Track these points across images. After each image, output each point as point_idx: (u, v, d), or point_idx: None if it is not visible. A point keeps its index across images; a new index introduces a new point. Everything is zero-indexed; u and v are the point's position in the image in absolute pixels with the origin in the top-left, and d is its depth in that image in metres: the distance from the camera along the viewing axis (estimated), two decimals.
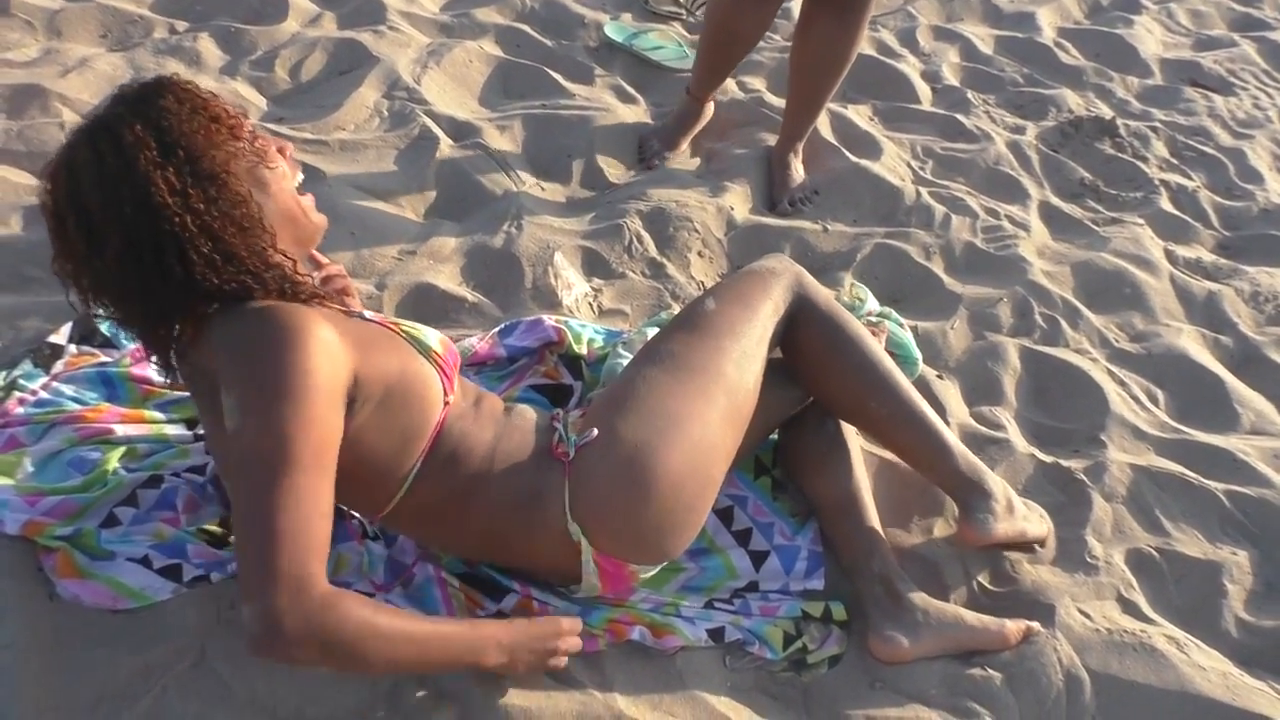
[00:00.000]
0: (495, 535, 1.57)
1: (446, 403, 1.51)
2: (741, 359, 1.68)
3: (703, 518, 1.63)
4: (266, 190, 1.44)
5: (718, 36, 2.80)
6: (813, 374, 1.81)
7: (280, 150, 1.50)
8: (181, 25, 3.05)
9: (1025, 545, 1.88)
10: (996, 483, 1.83)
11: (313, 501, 1.25)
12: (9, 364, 1.89)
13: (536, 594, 1.64)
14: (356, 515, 1.70)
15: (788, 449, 1.88)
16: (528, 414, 1.65)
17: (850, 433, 1.88)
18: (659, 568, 1.64)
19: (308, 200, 1.52)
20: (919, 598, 1.72)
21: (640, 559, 1.59)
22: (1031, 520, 1.87)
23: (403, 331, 1.52)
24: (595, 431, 1.57)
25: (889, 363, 1.82)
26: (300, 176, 1.53)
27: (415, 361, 1.48)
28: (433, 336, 1.55)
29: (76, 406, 1.81)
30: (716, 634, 1.67)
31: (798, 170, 2.83)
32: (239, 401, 1.29)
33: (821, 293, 1.81)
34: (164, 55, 2.87)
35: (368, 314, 1.55)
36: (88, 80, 2.69)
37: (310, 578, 1.22)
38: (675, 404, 1.59)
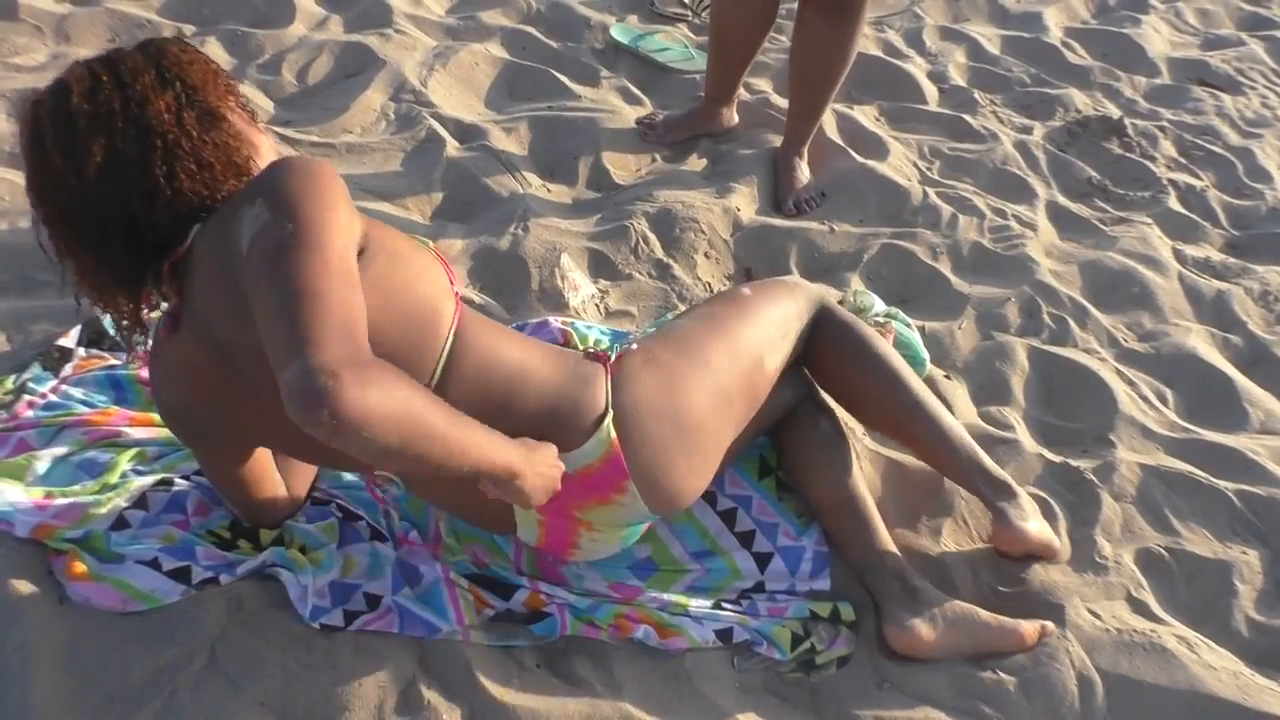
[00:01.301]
0: (542, 416, 1.49)
1: (455, 293, 1.46)
2: (768, 343, 1.73)
3: (713, 468, 1.66)
4: (255, 146, 1.43)
5: (718, 34, 2.83)
6: (838, 378, 1.85)
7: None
8: (189, 29, 3.06)
9: (1048, 553, 1.85)
10: (1020, 490, 1.86)
11: (353, 282, 1.20)
12: (18, 367, 1.89)
13: (545, 588, 1.65)
14: (364, 515, 1.71)
15: (784, 450, 1.87)
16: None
17: (847, 432, 1.88)
18: (606, 539, 1.62)
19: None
20: (934, 592, 1.72)
21: (645, 482, 1.55)
22: (1051, 533, 1.87)
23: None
24: (634, 345, 1.64)
25: (908, 368, 1.87)
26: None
27: (419, 248, 1.45)
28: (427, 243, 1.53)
29: (86, 409, 1.82)
30: (724, 634, 1.66)
31: (803, 172, 2.82)
32: (266, 203, 1.24)
33: (839, 306, 1.89)
34: None
35: None
36: None
37: (362, 340, 1.15)
38: (707, 350, 1.65)
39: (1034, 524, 1.82)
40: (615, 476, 1.55)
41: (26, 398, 1.82)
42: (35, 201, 1.35)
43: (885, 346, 1.87)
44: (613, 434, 1.53)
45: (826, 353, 1.83)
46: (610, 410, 1.54)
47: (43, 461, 1.70)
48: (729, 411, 1.66)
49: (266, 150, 1.46)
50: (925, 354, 2.21)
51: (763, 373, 1.72)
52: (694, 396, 1.60)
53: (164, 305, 1.45)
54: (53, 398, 1.83)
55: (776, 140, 2.94)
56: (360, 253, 1.32)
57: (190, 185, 1.34)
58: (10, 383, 1.85)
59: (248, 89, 2.83)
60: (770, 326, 1.75)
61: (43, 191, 1.33)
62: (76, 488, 1.65)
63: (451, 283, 1.48)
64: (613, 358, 1.62)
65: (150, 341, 1.49)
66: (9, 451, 1.72)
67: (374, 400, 1.10)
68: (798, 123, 2.81)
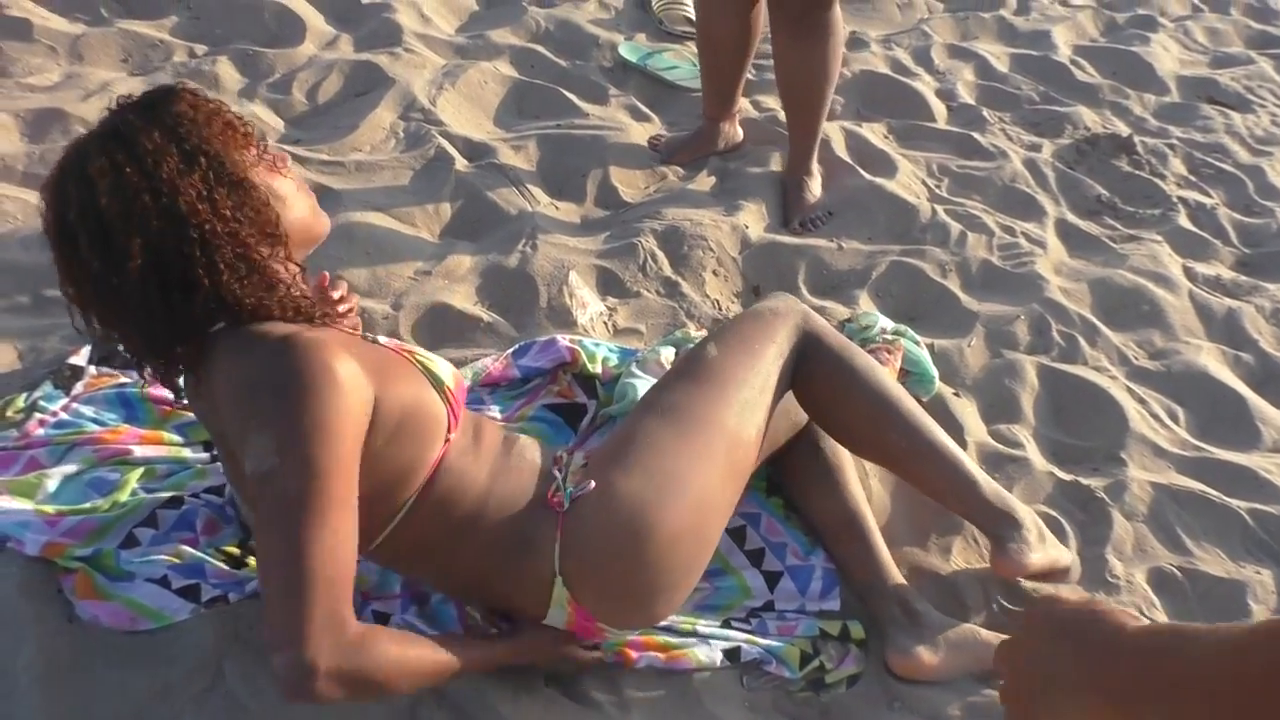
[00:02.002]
0: (479, 576, 1.51)
1: (448, 439, 1.44)
2: (744, 408, 1.62)
3: (695, 579, 1.58)
4: (282, 198, 1.41)
5: (706, 51, 2.85)
6: (827, 412, 1.76)
7: (280, 160, 1.46)
8: (201, 49, 3.08)
9: (1058, 575, 1.82)
10: (1025, 511, 1.79)
11: (346, 542, 1.23)
12: (30, 385, 1.90)
13: None
14: None
15: (785, 474, 1.85)
16: (527, 453, 1.58)
17: (848, 454, 1.85)
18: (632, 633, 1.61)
19: (314, 201, 1.50)
20: (936, 615, 1.70)
21: (620, 622, 1.53)
22: (1060, 548, 1.83)
23: (417, 361, 1.46)
24: (593, 484, 1.52)
25: (905, 395, 1.78)
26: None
27: (428, 393, 1.42)
28: (446, 370, 1.49)
29: (96, 428, 1.82)
30: (732, 654, 1.65)
31: (811, 191, 2.83)
32: (273, 441, 1.24)
33: (829, 330, 1.76)
34: (183, 79, 2.89)
35: (383, 339, 1.50)
36: (109, 104, 2.71)
37: (344, 622, 1.21)
38: (675, 461, 1.54)
39: (1036, 554, 1.74)
40: (591, 624, 1.53)
41: (37, 416, 1.83)
42: (73, 295, 1.34)
43: (878, 377, 1.75)
44: (566, 599, 1.50)
45: (815, 386, 1.72)
46: (560, 578, 1.48)
47: (53, 479, 1.70)
48: (714, 510, 1.58)
49: (291, 195, 1.43)
50: (934, 372, 2.21)
51: (746, 444, 1.62)
52: (667, 522, 1.50)
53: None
54: (63, 416, 1.84)
55: (783, 156, 2.95)
56: (368, 432, 1.32)
57: (230, 275, 1.32)
58: (21, 401, 1.86)
59: (258, 108, 2.85)
60: (745, 388, 1.63)
61: (80, 286, 1.33)
62: (86, 505, 1.66)
63: (451, 427, 1.46)
64: (567, 505, 1.51)
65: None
66: (20, 469, 1.72)
67: (358, 678, 1.22)
68: (793, 142, 2.82)
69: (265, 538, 1.24)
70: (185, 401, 1.51)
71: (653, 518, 1.49)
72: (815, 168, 2.86)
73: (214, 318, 1.35)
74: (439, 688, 1.52)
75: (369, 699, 1.30)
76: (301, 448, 1.23)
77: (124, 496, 1.68)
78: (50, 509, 1.64)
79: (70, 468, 1.73)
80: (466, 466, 1.47)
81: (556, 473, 1.55)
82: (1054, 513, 1.99)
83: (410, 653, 1.30)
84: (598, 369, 2.02)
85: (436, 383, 1.45)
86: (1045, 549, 1.77)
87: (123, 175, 1.28)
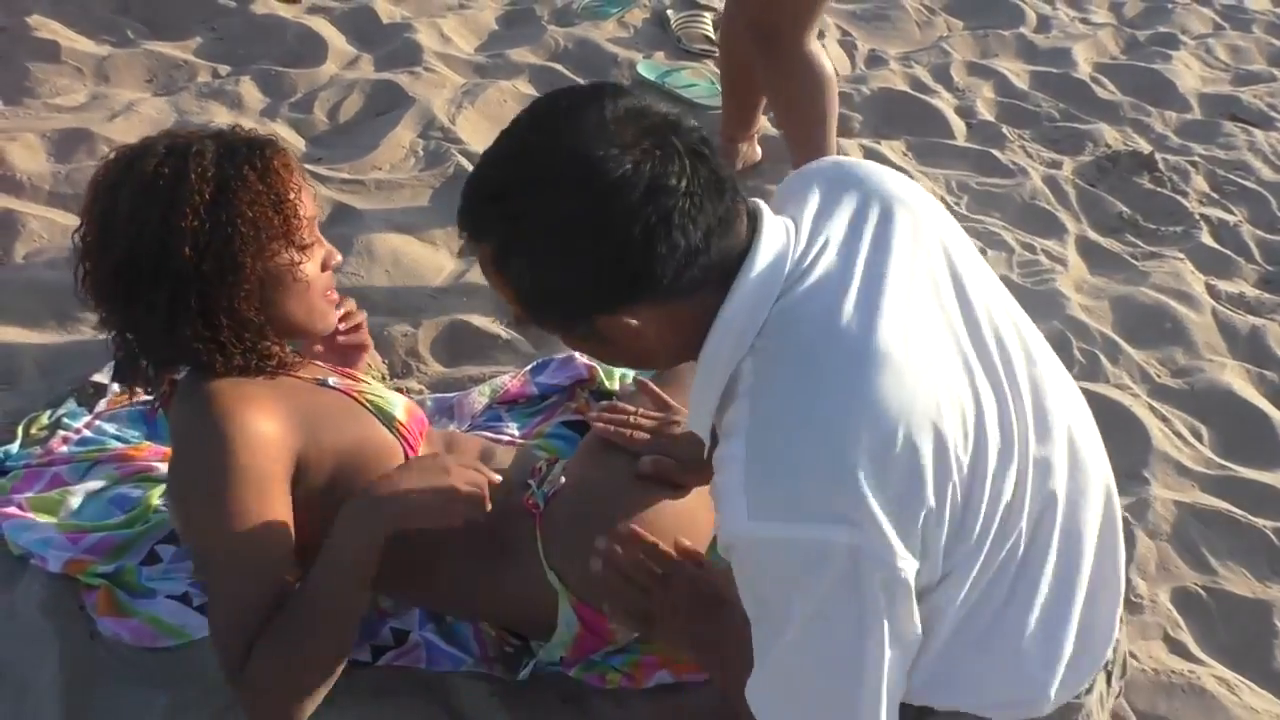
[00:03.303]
0: (465, 588, 1.53)
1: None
2: None
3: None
4: (278, 295, 1.41)
5: (723, 67, 2.85)
6: None
7: (327, 259, 1.47)
8: (224, 69, 3.12)
9: None
10: None
11: (252, 588, 1.32)
12: (54, 402, 1.92)
13: None
14: None
15: None
16: (504, 464, 1.62)
17: None
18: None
19: (326, 303, 1.48)
20: None
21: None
22: None
23: (366, 400, 1.49)
24: (564, 479, 1.56)
25: None
26: (332, 282, 1.50)
27: (376, 432, 1.46)
28: (398, 405, 1.53)
29: (119, 445, 1.83)
30: None
31: None
32: (176, 499, 1.37)
33: None
34: (207, 99, 2.93)
35: (333, 380, 1.51)
36: (134, 124, 2.75)
37: (237, 661, 1.30)
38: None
39: None
40: (599, 619, 1.52)
41: (61, 433, 1.84)
42: (79, 231, 1.40)
43: None
44: (569, 597, 1.51)
45: None
46: (552, 571, 1.50)
47: (76, 496, 1.71)
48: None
49: (298, 295, 1.43)
50: None
51: None
52: (644, 498, 1.54)
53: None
54: (86, 433, 1.85)
55: None
56: (295, 483, 1.38)
57: (184, 324, 1.35)
58: (45, 418, 1.88)
59: (280, 127, 2.87)
60: None
61: (82, 235, 1.39)
62: (109, 522, 1.67)
63: (408, 455, 1.48)
64: (542, 505, 1.54)
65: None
66: (43, 486, 1.73)
67: (269, 698, 1.33)
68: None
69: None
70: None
71: (628, 496, 1.53)
72: None
73: (172, 357, 1.40)
74: (452, 706, 1.52)
75: (309, 691, 1.35)
76: (198, 510, 1.33)
77: (147, 513, 1.69)
78: (73, 525, 1.65)
79: (93, 484, 1.74)
80: None
81: (531, 481, 1.59)
82: None
83: (288, 637, 1.31)
84: (615, 386, 2.02)
85: (387, 419, 1.49)
86: None
87: (154, 185, 1.33)
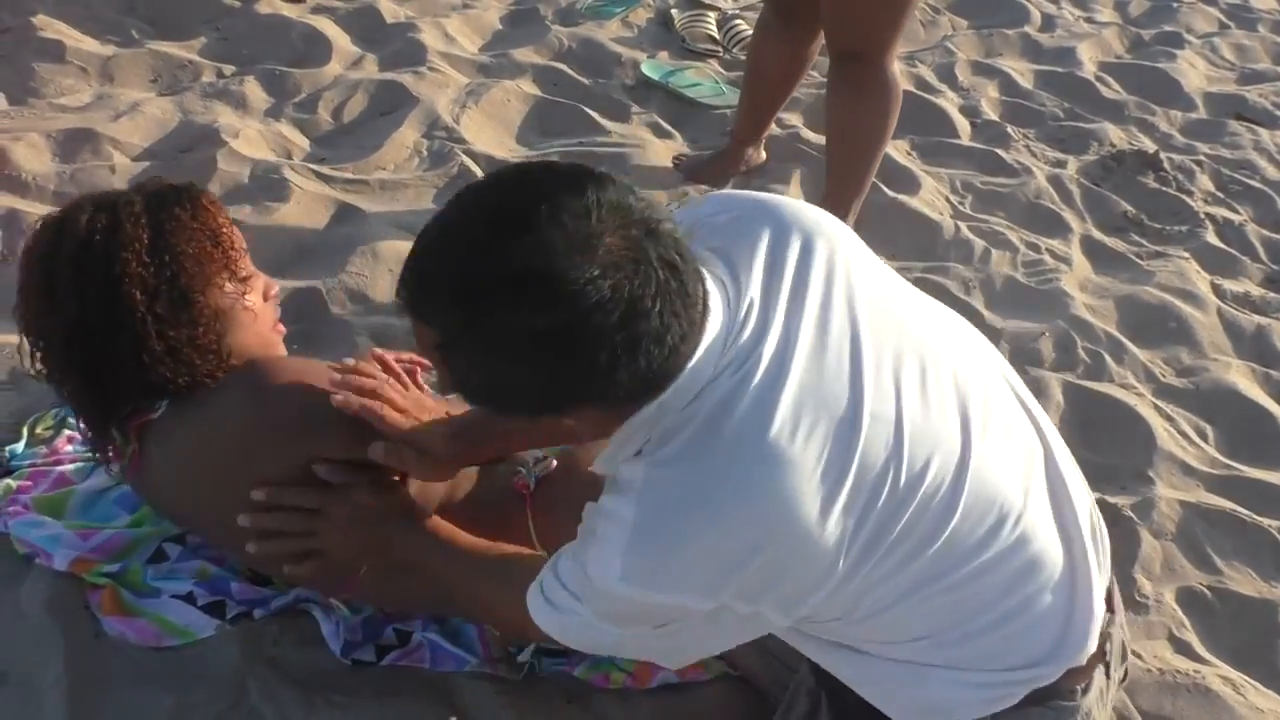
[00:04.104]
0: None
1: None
2: None
3: None
4: (232, 327, 1.45)
5: (749, 71, 2.84)
6: None
7: (266, 290, 1.52)
8: (229, 69, 3.12)
9: None
10: None
11: None
12: (59, 402, 1.92)
13: None
14: None
15: None
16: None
17: None
18: None
19: (275, 334, 1.54)
20: None
21: None
22: None
23: None
24: (554, 462, 1.58)
25: None
26: (276, 313, 1.56)
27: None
28: None
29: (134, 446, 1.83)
30: None
31: None
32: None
33: None
34: (212, 99, 2.93)
35: None
36: (138, 124, 2.75)
37: None
38: None
39: None
40: None
41: (66, 433, 1.84)
42: (18, 311, 1.42)
43: None
44: None
45: None
46: (544, 552, 1.48)
47: (81, 495, 1.71)
48: None
49: (247, 325, 1.47)
50: None
51: None
52: None
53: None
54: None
55: (806, 174, 2.95)
56: None
57: (154, 366, 1.39)
58: (51, 418, 1.88)
59: (285, 127, 2.88)
60: None
61: (23, 313, 1.42)
62: (115, 523, 1.67)
63: None
64: (532, 486, 1.55)
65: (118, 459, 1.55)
66: (49, 486, 1.73)
67: None
68: (830, 186, 2.68)
69: None
70: (116, 471, 1.58)
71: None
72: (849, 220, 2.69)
73: (145, 397, 1.43)
74: (457, 705, 1.52)
75: None
76: None
77: (152, 513, 1.69)
78: (80, 525, 1.65)
79: (98, 483, 1.74)
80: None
81: (522, 466, 1.60)
82: None
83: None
84: None
85: None
86: None
87: (91, 242, 1.36)
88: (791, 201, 1.26)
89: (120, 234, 1.37)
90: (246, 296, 1.47)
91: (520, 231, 0.97)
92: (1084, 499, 1.30)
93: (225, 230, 1.45)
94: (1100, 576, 1.27)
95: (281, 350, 1.56)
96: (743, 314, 1.10)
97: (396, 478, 1.46)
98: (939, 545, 1.13)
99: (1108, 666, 1.29)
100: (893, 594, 1.14)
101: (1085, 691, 1.25)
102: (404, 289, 1.05)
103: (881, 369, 1.13)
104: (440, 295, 1.02)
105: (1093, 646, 1.24)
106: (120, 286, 1.36)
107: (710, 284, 1.09)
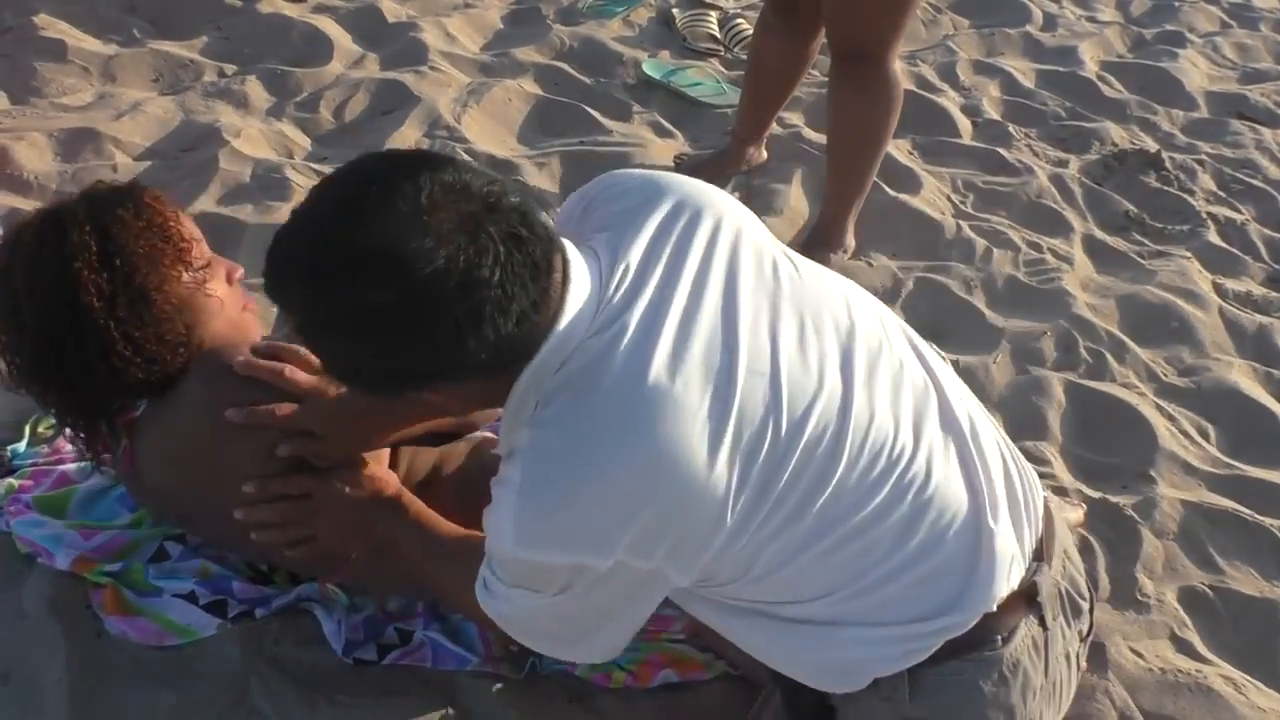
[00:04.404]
0: None
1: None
2: None
3: None
4: (199, 316, 1.46)
5: (750, 70, 2.84)
6: None
7: (229, 274, 1.52)
8: (230, 69, 3.12)
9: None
10: None
11: None
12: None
13: None
14: None
15: None
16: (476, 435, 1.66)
17: None
18: None
19: (247, 315, 1.54)
20: None
21: None
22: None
23: None
24: None
25: None
26: (242, 295, 1.55)
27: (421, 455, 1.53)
28: None
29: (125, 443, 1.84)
30: None
31: (839, 244, 2.65)
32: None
33: None
34: (213, 98, 2.93)
35: None
36: (140, 123, 2.75)
37: None
38: None
39: None
40: None
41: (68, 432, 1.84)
42: None
43: None
44: None
45: None
46: None
47: (83, 494, 1.72)
48: None
49: (213, 313, 1.48)
50: None
51: None
52: None
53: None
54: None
55: (808, 173, 2.94)
56: None
57: (125, 366, 1.40)
58: (52, 417, 1.88)
59: (286, 126, 2.88)
60: None
61: None
62: (117, 522, 1.67)
63: None
64: None
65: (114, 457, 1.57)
66: (50, 485, 1.74)
67: None
68: (830, 190, 2.68)
69: None
70: (111, 471, 1.60)
71: None
72: (848, 240, 2.67)
73: (126, 396, 1.45)
74: (459, 704, 1.52)
75: None
76: None
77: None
78: (81, 524, 1.65)
79: (100, 482, 1.74)
80: (415, 452, 1.54)
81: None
82: (1082, 531, 1.97)
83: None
84: None
85: None
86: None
87: (40, 257, 1.37)
88: (681, 178, 1.29)
89: (66, 244, 1.37)
90: (207, 285, 1.47)
91: (355, 215, 1.03)
92: (992, 444, 1.30)
93: (173, 223, 1.45)
94: (1016, 520, 1.27)
95: (255, 330, 1.55)
96: (616, 280, 1.14)
97: (374, 460, 1.46)
98: (828, 495, 1.15)
99: (1042, 617, 1.28)
100: (787, 549, 1.16)
101: (1008, 640, 1.24)
102: (265, 277, 1.09)
103: (758, 327, 1.16)
104: (291, 280, 1.07)
105: (1002, 590, 1.23)
106: (77, 295, 1.36)
107: (576, 254, 1.14)
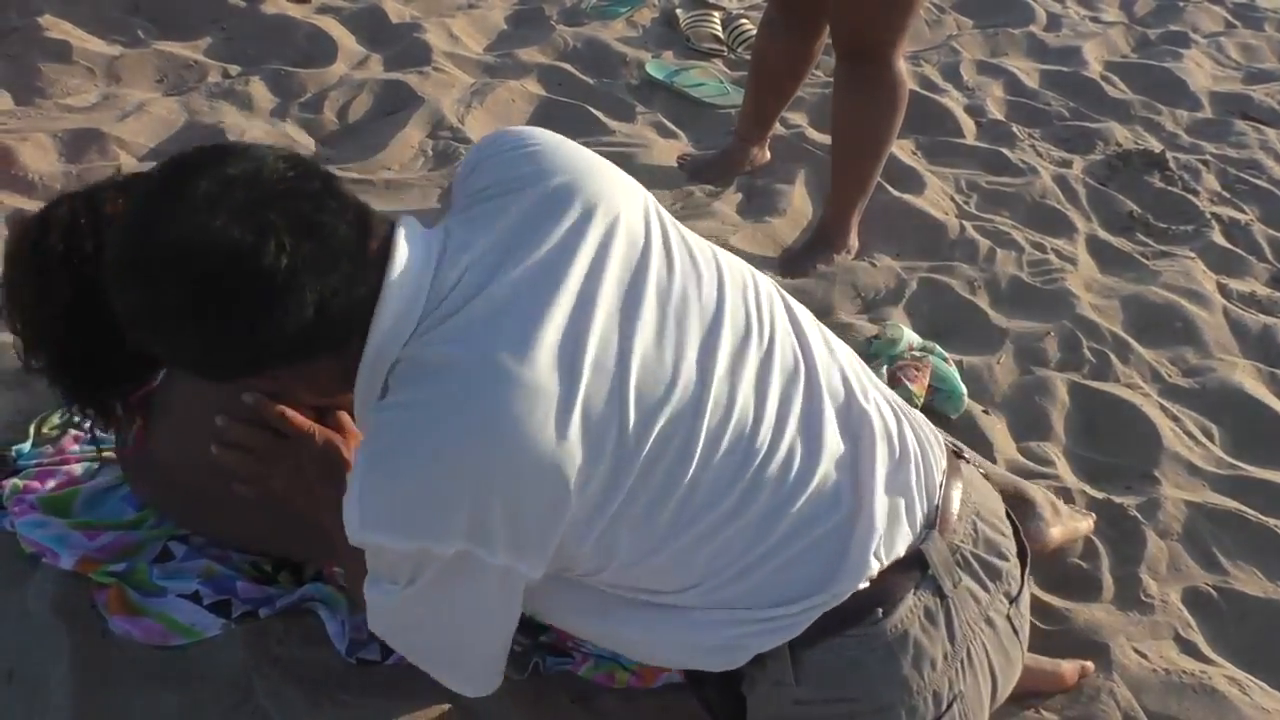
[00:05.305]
0: None
1: None
2: None
3: None
4: None
5: (753, 69, 2.84)
6: None
7: None
8: (234, 69, 3.13)
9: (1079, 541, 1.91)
10: (1035, 490, 1.83)
11: None
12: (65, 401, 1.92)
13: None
14: None
15: None
16: None
17: None
18: None
19: None
20: None
21: None
22: (1077, 517, 1.90)
23: None
24: None
25: None
26: None
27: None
28: None
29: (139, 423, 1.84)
30: None
31: (829, 263, 2.63)
32: None
33: None
34: (217, 99, 2.94)
35: None
36: (144, 124, 2.76)
37: None
38: None
39: (1054, 529, 1.81)
40: None
41: (73, 432, 1.85)
42: (6, 310, 1.45)
43: None
44: None
45: None
46: None
47: (87, 493, 1.72)
48: None
49: None
50: (963, 389, 2.19)
51: None
52: None
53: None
54: (98, 431, 1.86)
55: (811, 174, 2.94)
56: None
57: None
58: (57, 417, 1.88)
59: (290, 127, 2.88)
60: None
61: (11, 308, 1.44)
62: (122, 520, 1.67)
63: None
64: None
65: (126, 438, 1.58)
66: (55, 485, 1.74)
67: None
68: (831, 198, 2.68)
69: None
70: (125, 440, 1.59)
71: None
72: (851, 240, 2.67)
73: (149, 369, 1.46)
74: (463, 703, 1.52)
75: None
76: None
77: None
78: (85, 523, 1.65)
79: (104, 481, 1.74)
80: None
81: None
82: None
83: None
84: None
85: None
86: (1062, 521, 1.84)
87: (76, 226, 1.39)
88: (569, 155, 1.27)
89: (102, 214, 1.41)
90: None
91: (142, 215, 1.07)
92: (872, 413, 1.29)
93: None
94: (901, 489, 1.26)
95: None
96: (465, 265, 1.14)
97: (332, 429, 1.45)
98: (683, 489, 1.16)
99: (939, 585, 1.26)
100: (650, 540, 1.17)
101: (889, 613, 1.24)
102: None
103: (613, 321, 1.15)
104: (109, 284, 1.10)
105: (872, 565, 1.23)
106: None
107: (416, 234, 1.16)
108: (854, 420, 1.27)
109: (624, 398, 1.13)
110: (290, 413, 1.34)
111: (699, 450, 1.16)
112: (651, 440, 1.13)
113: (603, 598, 1.26)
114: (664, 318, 1.18)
